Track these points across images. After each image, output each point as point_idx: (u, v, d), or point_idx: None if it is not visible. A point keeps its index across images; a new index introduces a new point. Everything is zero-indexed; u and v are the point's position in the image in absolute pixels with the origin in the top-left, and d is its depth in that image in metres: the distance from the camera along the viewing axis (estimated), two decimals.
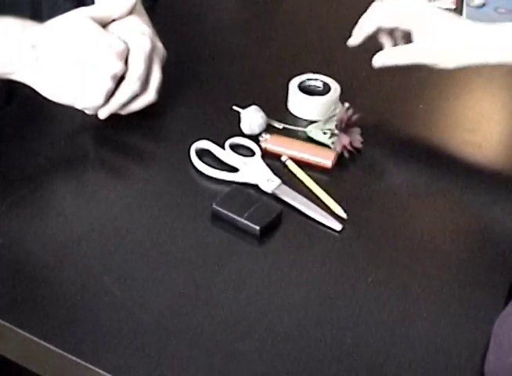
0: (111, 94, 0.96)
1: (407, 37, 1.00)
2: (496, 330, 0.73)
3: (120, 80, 0.96)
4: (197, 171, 0.96)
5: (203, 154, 0.98)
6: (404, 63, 0.99)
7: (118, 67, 0.95)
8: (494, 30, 0.95)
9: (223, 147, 0.99)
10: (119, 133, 1.02)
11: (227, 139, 1.00)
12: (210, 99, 1.09)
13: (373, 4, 1.02)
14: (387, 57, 1.00)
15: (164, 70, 1.01)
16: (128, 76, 0.96)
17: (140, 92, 0.98)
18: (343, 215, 0.92)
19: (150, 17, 1.05)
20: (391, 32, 1.02)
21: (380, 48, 1.03)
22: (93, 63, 0.93)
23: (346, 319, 0.82)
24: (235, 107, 1.05)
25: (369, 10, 1.02)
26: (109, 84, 0.95)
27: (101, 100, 0.96)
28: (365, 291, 0.85)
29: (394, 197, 0.97)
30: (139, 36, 0.97)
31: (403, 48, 1.00)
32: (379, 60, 1.01)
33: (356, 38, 1.02)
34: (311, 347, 0.79)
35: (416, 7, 0.99)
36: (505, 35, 0.94)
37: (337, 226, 0.91)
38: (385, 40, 1.03)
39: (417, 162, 1.02)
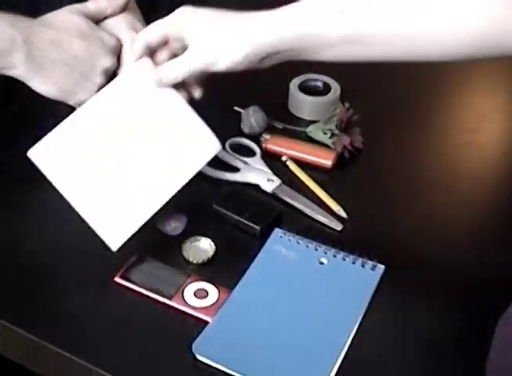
0: None
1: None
2: (499, 328, 0.73)
3: (112, 76, 0.96)
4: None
5: None
6: (186, 74, 0.89)
7: (110, 63, 0.95)
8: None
9: (223, 147, 0.99)
10: None
11: (227, 139, 0.99)
12: (210, 99, 1.09)
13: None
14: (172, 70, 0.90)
15: None
16: (119, 72, 0.96)
17: None
18: (343, 214, 0.92)
19: (150, 17, 1.05)
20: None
21: None
22: (85, 58, 0.93)
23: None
24: (235, 107, 1.05)
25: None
26: (101, 80, 0.95)
27: None
28: None
29: (394, 196, 0.97)
30: (132, 33, 0.97)
31: (179, 58, 0.89)
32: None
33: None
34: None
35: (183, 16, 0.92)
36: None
37: (338, 226, 0.91)
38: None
39: (417, 162, 1.02)
